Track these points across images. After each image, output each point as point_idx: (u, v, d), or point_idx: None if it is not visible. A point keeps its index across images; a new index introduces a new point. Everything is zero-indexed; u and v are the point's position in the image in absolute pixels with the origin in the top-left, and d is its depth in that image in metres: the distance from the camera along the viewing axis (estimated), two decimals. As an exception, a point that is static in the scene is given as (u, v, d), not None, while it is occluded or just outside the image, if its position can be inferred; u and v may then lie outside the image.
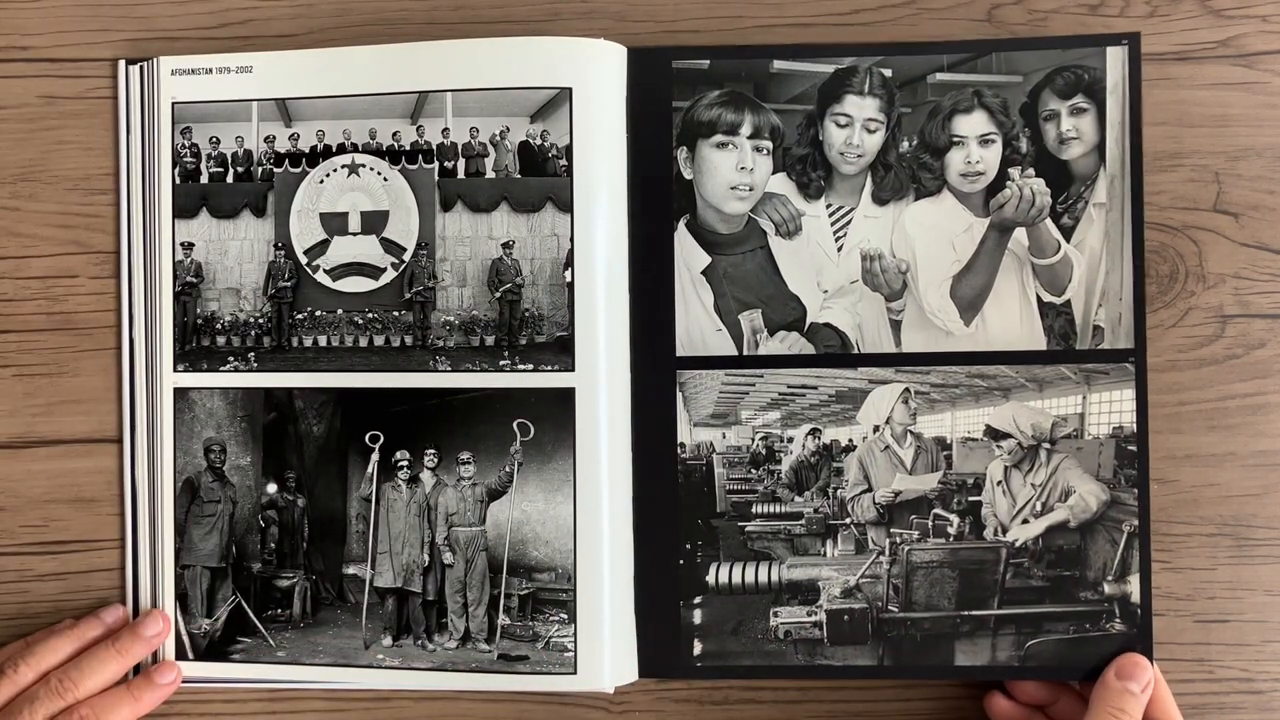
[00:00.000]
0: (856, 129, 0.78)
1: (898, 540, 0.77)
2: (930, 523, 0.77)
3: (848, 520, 0.78)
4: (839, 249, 0.78)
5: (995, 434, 0.77)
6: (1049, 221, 0.77)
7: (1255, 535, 0.78)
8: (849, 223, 0.78)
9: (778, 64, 0.78)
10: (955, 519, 0.77)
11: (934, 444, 0.78)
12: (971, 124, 0.77)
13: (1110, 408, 0.76)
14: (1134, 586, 0.75)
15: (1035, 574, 0.77)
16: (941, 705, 0.79)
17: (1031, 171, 0.77)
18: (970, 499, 0.77)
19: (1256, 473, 0.78)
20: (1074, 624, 0.76)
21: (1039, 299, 0.77)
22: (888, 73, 0.78)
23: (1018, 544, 0.77)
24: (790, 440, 0.78)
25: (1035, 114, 0.77)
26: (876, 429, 0.78)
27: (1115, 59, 0.76)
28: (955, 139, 0.77)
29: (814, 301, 0.78)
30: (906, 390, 0.78)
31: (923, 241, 0.78)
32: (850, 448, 0.78)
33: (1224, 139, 0.78)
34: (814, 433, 0.78)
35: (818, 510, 0.78)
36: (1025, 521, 0.77)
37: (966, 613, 0.77)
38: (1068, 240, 0.77)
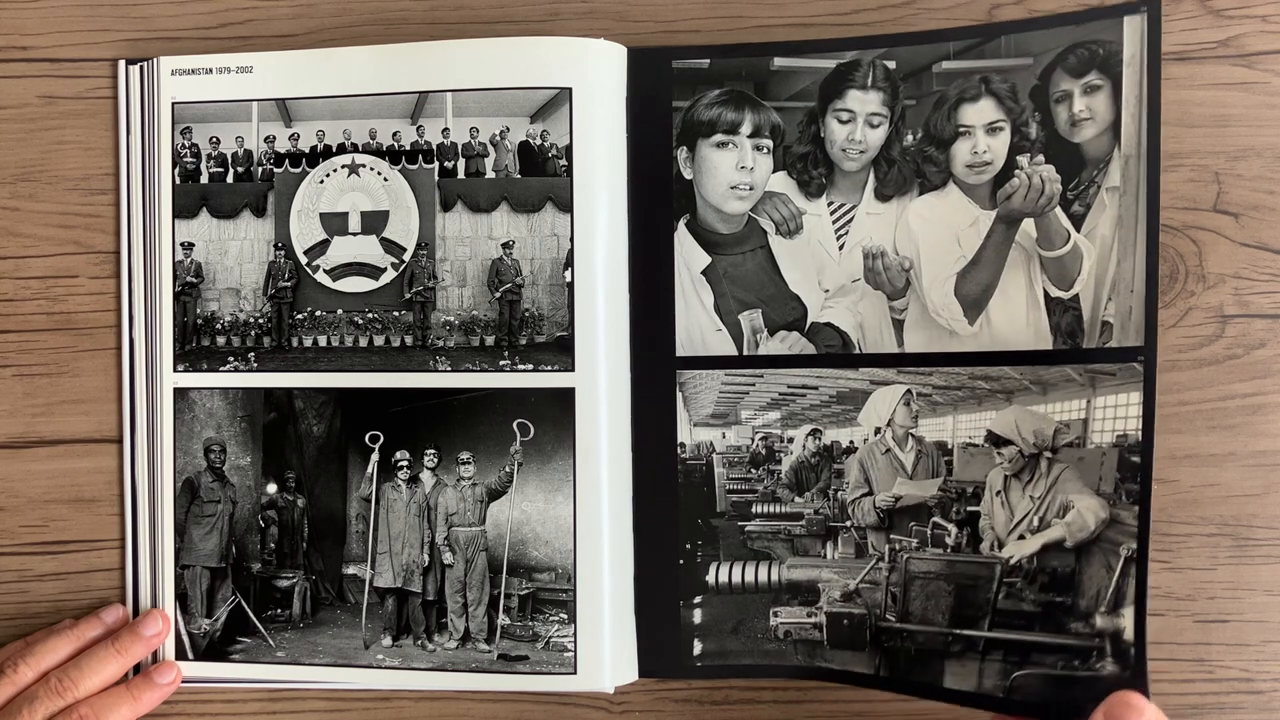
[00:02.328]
0: (859, 124, 0.76)
1: (897, 547, 0.75)
2: (929, 531, 0.75)
3: (848, 523, 0.77)
4: (840, 247, 0.77)
5: (997, 440, 0.74)
6: (1059, 210, 0.73)
7: (1255, 535, 0.78)
8: (851, 220, 0.77)
9: (778, 61, 0.77)
10: (953, 529, 0.75)
11: (935, 449, 0.76)
12: (978, 112, 0.75)
13: (1115, 413, 0.72)
14: (1127, 621, 0.69)
15: (1027, 597, 0.72)
16: (941, 706, 0.79)
17: (1041, 158, 0.74)
18: (969, 509, 0.75)
19: (1256, 473, 0.78)
20: (1062, 658, 0.71)
21: (1046, 295, 0.74)
22: (891, 65, 0.76)
23: (1012, 561, 0.73)
24: (790, 441, 0.78)
25: (1046, 96, 0.74)
26: (878, 431, 0.76)
27: (1133, 29, 0.71)
28: (962, 129, 0.75)
29: (815, 301, 0.77)
30: (908, 392, 0.76)
31: (927, 237, 0.76)
32: (851, 449, 0.77)
33: (1224, 139, 0.78)
34: (814, 433, 0.77)
35: (818, 511, 0.77)
36: (1021, 537, 0.73)
37: (958, 631, 0.74)
38: (1078, 229, 0.73)
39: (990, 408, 0.75)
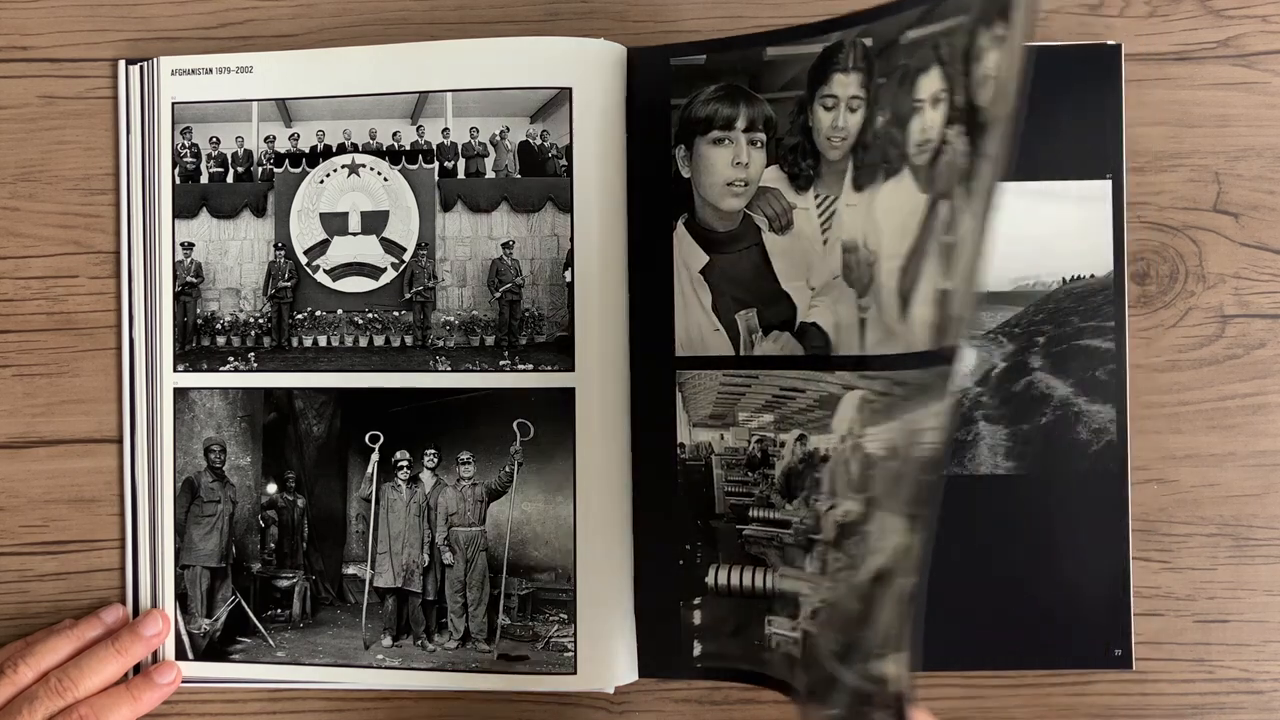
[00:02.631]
0: (841, 110, 0.72)
1: (836, 566, 0.69)
2: (850, 551, 0.68)
3: (819, 536, 0.73)
4: (824, 242, 0.74)
5: (894, 453, 0.64)
6: (960, 186, 0.59)
7: (1255, 535, 0.78)
8: (833, 213, 0.74)
9: (770, 51, 0.75)
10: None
11: (866, 461, 0.68)
12: (929, 83, 0.64)
13: (934, 423, 0.57)
14: (897, 669, 0.55)
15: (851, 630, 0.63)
16: (937, 708, 0.79)
17: (962, 128, 0.60)
18: (864, 528, 0.66)
19: (1256, 473, 0.78)
20: (843, 702, 0.60)
21: (937, 287, 0.61)
22: (869, 42, 0.70)
23: (859, 588, 0.64)
24: (783, 445, 0.76)
25: (969, 57, 0.60)
26: (843, 439, 0.71)
27: None
28: (915, 104, 0.65)
29: (803, 300, 0.76)
30: (864, 398, 0.69)
31: (887, 228, 0.69)
32: (826, 457, 0.73)
33: (1224, 139, 0.78)
34: (801, 439, 0.75)
35: (802, 521, 0.75)
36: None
37: (825, 662, 0.66)
38: (970, 208, 0.58)
39: (897, 416, 0.64)
